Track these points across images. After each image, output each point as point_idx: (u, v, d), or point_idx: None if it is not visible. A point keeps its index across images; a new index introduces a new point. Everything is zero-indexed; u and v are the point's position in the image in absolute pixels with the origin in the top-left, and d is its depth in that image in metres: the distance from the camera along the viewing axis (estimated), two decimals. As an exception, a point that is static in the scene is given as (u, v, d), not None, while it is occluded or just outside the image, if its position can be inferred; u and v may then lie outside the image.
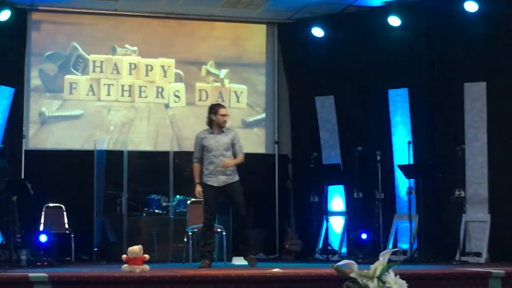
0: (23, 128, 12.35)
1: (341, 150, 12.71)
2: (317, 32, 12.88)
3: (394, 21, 12.07)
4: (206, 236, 9.28)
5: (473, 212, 11.13)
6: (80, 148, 12.60)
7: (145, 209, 12.03)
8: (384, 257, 3.98)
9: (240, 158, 9.28)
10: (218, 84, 13.33)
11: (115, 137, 12.77)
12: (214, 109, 9.32)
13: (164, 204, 11.92)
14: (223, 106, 9.47)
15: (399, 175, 11.73)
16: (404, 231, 11.72)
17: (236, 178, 9.26)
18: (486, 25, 11.42)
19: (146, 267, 7.52)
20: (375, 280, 3.90)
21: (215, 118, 9.22)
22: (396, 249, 11.06)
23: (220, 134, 9.22)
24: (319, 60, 13.08)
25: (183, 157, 12.63)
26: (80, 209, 11.92)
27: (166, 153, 12.15)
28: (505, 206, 11.03)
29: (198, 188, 9.20)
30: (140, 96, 12.99)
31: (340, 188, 12.66)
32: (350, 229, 12.27)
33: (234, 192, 9.19)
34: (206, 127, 9.31)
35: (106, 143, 12.66)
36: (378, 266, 3.95)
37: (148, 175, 12.51)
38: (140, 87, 13.01)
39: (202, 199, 9.32)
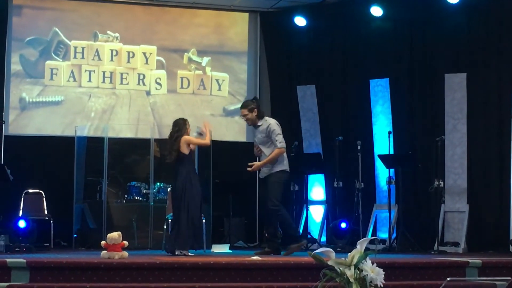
0: (3, 114, 12.26)
1: (322, 140, 12.73)
2: (300, 21, 12.87)
3: (376, 11, 12.09)
4: None
5: (452, 202, 11.19)
6: (61, 135, 12.54)
7: (125, 196, 12.01)
8: (361, 245, 4.01)
9: None
10: (200, 72, 13.30)
11: (96, 123, 12.72)
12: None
13: (144, 191, 11.90)
14: None
15: (379, 165, 11.78)
16: (383, 220, 11.78)
17: None
18: (467, 16, 11.48)
19: (125, 253, 7.53)
20: (352, 268, 3.93)
21: None
22: (373, 237, 11.12)
23: None
24: (301, 49, 13.10)
25: (164, 145, 12.63)
26: (59, 195, 11.89)
27: (147, 140, 12.12)
28: (484, 197, 11.10)
29: None
30: (121, 83, 12.94)
31: (320, 177, 12.70)
32: (330, 218, 12.31)
33: None
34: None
35: (86, 130, 12.60)
36: (355, 254, 3.98)
37: (128, 162, 12.51)
38: (122, 73, 12.95)
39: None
